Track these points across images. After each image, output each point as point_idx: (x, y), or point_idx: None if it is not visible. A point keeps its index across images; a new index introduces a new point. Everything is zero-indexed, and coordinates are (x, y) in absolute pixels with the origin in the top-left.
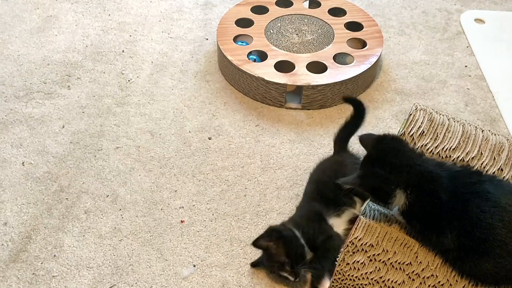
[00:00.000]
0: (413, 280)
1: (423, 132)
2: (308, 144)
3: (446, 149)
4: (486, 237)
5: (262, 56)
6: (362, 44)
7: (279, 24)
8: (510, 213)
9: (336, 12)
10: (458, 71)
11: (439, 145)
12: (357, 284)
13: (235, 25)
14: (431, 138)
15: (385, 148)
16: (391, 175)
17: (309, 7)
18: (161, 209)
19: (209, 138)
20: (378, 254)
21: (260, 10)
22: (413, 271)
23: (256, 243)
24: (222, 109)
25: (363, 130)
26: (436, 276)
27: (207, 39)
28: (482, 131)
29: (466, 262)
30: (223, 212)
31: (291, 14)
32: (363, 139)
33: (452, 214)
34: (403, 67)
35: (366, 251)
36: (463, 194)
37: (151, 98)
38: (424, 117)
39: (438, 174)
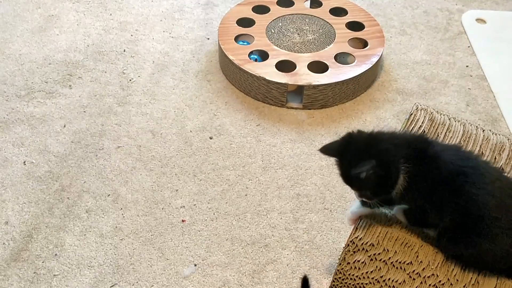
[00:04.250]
0: (414, 279)
1: (424, 131)
2: (309, 144)
3: None
4: (481, 213)
5: (263, 55)
6: (363, 44)
7: (280, 24)
8: (501, 190)
9: (337, 11)
10: (459, 71)
11: None
12: (358, 283)
13: (236, 24)
14: (432, 138)
15: (364, 138)
16: (397, 149)
17: (310, 7)
18: (162, 209)
19: (210, 138)
20: (379, 254)
21: (261, 9)
22: (413, 271)
23: None
24: (223, 108)
25: (365, 129)
26: (437, 275)
27: (208, 38)
28: (483, 130)
29: (462, 242)
30: (224, 212)
31: (292, 14)
32: (326, 149)
33: (447, 189)
34: (404, 67)
35: (367, 250)
36: (459, 169)
37: (152, 98)
38: (425, 116)
39: (433, 149)
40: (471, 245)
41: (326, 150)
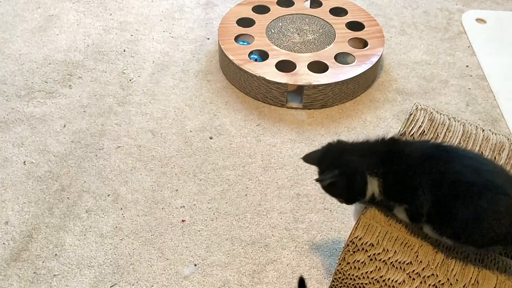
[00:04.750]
0: (414, 279)
1: (424, 131)
2: (309, 144)
3: None
4: (457, 180)
5: (263, 55)
6: (363, 43)
7: (280, 24)
8: (470, 159)
9: (337, 11)
10: (459, 71)
11: None
12: (358, 283)
13: (236, 24)
14: (431, 138)
15: (337, 148)
16: (364, 159)
17: (310, 7)
18: (162, 209)
19: (210, 138)
20: (379, 254)
21: (261, 9)
22: (413, 270)
23: None
24: (223, 108)
25: (365, 129)
26: (437, 275)
27: (208, 38)
28: (483, 130)
29: (447, 215)
30: (224, 212)
31: (292, 14)
32: (308, 157)
33: (420, 173)
34: (404, 67)
35: (366, 250)
36: (425, 155)
37: (152, 98)
38: (424, 116)
39: (397, 148)
40: (461, 217)
41: (307, 158)
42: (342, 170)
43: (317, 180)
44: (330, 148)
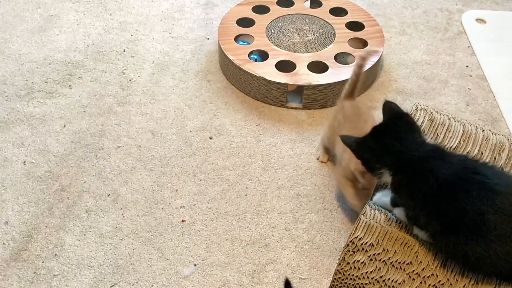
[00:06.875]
0: (414, 279)
1: (424, 131)
2: (309, 144)
3: (447, 148)
4: (476, 222)
5: (263, 55)
6: (363, 43)
7: (280, 24)
8: (502, 197)
9: (337, 11)
10: (459, 71)
11: None
12: (358, 284)
13: (236, 24)
14: (431, 138)
15: (394, 126)
16: (382, 154)
17: (310, 7)
18: (162, 209)
19: (210, 138)
20: (379, 254)
21: (261, 9)
22: (413, 271)
23: None
24: (223, 108)
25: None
26: (437, 275)
27: (208, 38)
28: (483, 130)
29: (456, 246)
30: (224, 212)
31: (292, 14)
32: (386, 106)
33: (441, 200)
34: (404, 67)
35: (366, 250)
36: (454, 180)
37: (152, 98)
38: (424, 116)
39: (428, 162)
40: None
41: (389, 106)
42: (356, 146)
43: (339, 136)
44: (391, 120)
